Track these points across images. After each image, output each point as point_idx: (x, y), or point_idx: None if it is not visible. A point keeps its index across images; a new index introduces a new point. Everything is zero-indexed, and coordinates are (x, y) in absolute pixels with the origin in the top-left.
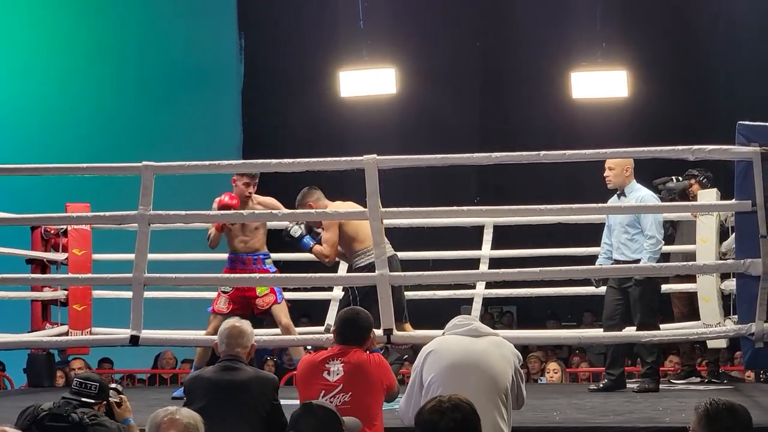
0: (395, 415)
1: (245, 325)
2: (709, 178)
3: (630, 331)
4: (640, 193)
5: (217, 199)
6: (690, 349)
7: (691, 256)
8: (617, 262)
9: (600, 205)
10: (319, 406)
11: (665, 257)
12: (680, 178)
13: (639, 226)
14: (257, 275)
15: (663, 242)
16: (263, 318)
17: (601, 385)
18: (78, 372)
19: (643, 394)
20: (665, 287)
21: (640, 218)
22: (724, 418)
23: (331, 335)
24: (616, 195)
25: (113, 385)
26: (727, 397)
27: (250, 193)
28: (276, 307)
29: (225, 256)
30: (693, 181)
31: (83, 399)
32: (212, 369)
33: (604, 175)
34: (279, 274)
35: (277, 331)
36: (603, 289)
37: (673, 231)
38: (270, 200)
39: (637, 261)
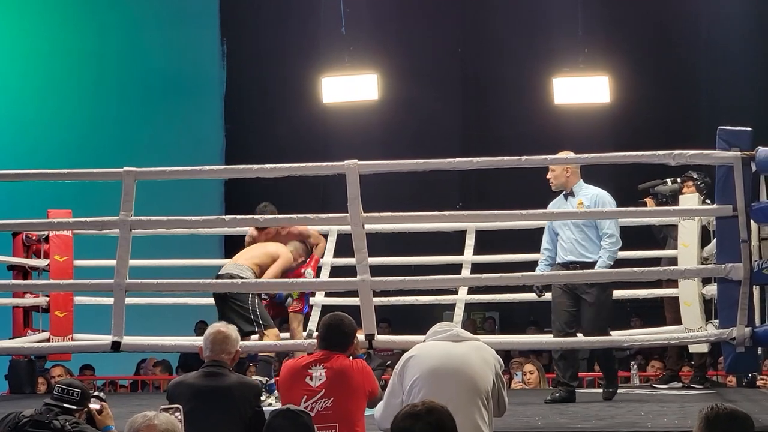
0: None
1: (231, 330)
2: (707, 183)
3: (613, 335)
4: (592, 191)
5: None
6: (676, 354)
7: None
8: (570, 264)
9: (582, 210)
10: (294, 412)
11: (656, 262)
12: (677, 179)
13: (595, 224)
14: (239, 281)
15: (620, 241)
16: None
17: (557, 396)
18: (59, 378)
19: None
20: (659, 292)
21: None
22: (725, 424)
23: (314, 340)
24: (562, 196)
25: (96, 393)
26: (707, 402)
27: None
28: (295, 314)
29: (205, 262)
30: (690, 183)
31: (65, 405)
32: (195, 374)
33: (547, 176)
34: (261, 280)
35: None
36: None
37: (667, 233)
38: None
39: (595, 262)
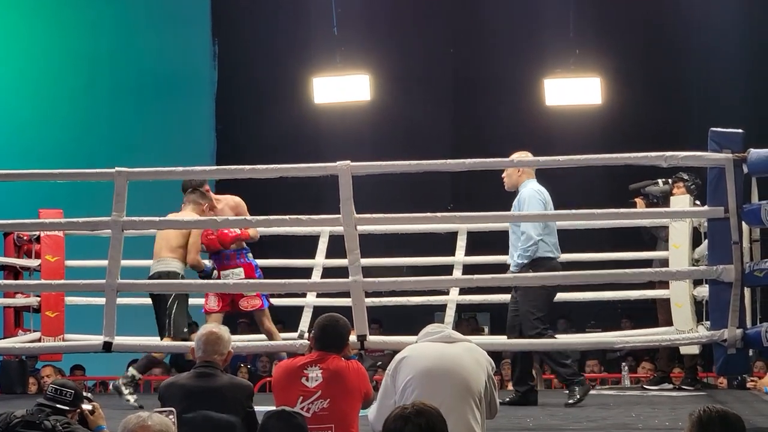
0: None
1: (223, 331)
2: (697, 185)
3: (601, 336)
4: (524, 191)
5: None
6: (668, 356)
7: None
8: (509, 268)
9: (573, 211)
10: (288, 413)
11: (648, 263)
12: (668, 180)
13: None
14: (231, 281)
15: (536, 238)
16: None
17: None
18: (50, 378)
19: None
20: (651, 293)
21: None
22: (717, 426)
23: (305, 341)
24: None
25: (86, 394)
26: (698, 403)
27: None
28: (258, 311)
29: None
30: (681, 184)
31: (57, 406)
32: (187, 375)
33: (502, 176)
34: (253, 280)
35: (251, 336)
36: (577, 295)
37: (655, 234)
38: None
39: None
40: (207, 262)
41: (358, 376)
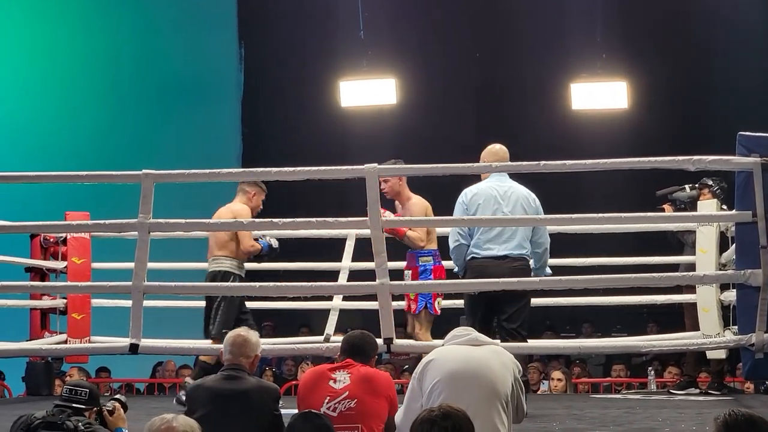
0: None
1: (251, 334)
2: (723, 188)
3: (627, 340)
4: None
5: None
6: (694, 360)
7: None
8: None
9: (599, 215)
10: (314, 414)
11: (675, 268)
12: (695, 185)
13: None
14: (257, 284)
15: (455, 244)
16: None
17: None
18: (68, 380)
19: (642, 404)
20: (678, 298)
21: None
22: (743, 429)
23: (331, 344)
24: None
25: (117, 396)
26: (724, 408)
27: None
28: (411, 314)
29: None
30: (706, 191)
31: (74, 405)
32: (214, 378)
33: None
34: (279, 283)
35: (276, 340)
36: (603, 299)
37: (682, 239)
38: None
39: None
40: (267, 240)
41: (387, 382)
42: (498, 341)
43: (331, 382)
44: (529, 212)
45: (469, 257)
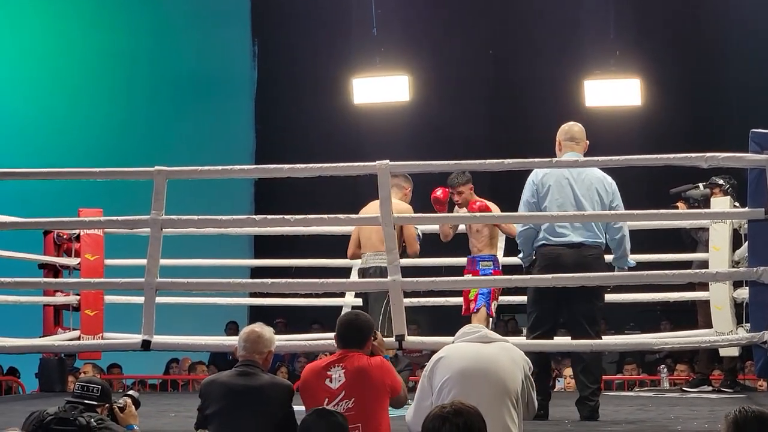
0: (402, 423)
1: (265, 330)
2: (733, 186)
3: (640, 337)
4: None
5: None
6: (707, 357)
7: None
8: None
9: (612, 212)
10: (328, 412)
11: (687, 265)
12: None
13: None
14: (269, 281)
15: (524, 227)
16: None
17: None
18: (81, 376)
19: (655, 401)
20: (690, 295)
21: None
22: (753, 427)
23: None
24: None
25: (130, 392)
26: (737, 405)
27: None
28: (473, 315)
29: (235, 262)
30: (717, 189)
31: (86, 402)
32: (228, 373)
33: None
34: (291, 280)
35: (289, 336)
36: (616, 296)
37: (695, 236)
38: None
39: None
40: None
41: (382, 371)
42: (508, 338)
43: (327, 381)
44: (604, 196)
45: (539, 243)
